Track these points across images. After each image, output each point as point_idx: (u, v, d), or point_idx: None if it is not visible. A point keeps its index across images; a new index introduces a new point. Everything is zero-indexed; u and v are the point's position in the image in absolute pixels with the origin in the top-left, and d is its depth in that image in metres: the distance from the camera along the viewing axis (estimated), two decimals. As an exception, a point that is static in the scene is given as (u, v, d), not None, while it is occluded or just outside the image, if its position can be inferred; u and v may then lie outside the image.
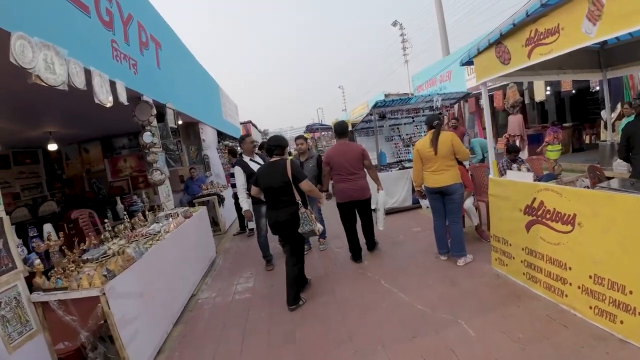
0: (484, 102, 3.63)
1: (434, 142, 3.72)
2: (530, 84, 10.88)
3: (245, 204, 4.30)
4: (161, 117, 5.87)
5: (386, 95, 14.88)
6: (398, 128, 7.46)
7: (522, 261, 3.19)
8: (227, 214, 7.63)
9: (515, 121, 11.25)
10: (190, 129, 8.90)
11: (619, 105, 6.67)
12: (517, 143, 11.16)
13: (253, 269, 4.65)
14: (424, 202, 6.41)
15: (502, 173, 3.86)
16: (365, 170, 4.23)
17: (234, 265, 4.97)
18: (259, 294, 3.83)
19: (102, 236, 3.69)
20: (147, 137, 5.31)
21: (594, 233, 2.48)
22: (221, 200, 6.96)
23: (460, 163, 4.23)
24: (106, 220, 3.86)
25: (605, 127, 7.08)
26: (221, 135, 12.60)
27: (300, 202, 3.29)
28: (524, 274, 3.19)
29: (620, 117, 6.56)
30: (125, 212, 4.35)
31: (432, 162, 3.79)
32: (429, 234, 4.85)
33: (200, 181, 8.21)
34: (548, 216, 2.81)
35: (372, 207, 4.44)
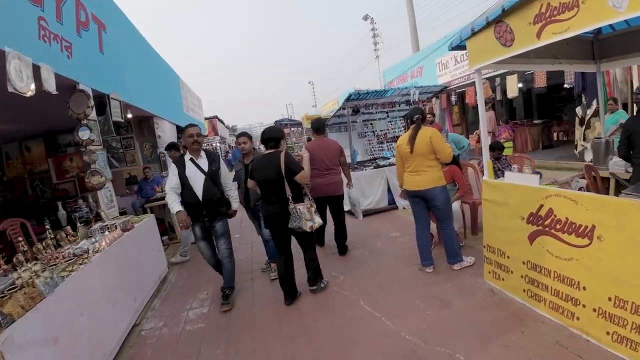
0: (478, 91, 3.18)
1: (411, 138, 3.29)
2: (503, 79, 10.80)
3: (176, 205, 3.32)
4: (102, 109, 5.07)
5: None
6: (372, 123, 6.97)
7: (522, 276, 2.77)
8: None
9: (487, 118, 11.17)
10: (144, 124, 8.00)
11: (594, 102, 6.53)
12: (490, 139, 11.13)
13: (210, 286, 3.99)
14: (402, 202, 5.99)
15: (497, 175, 3.44)
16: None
17: (189, 283, 4.28)
18: (214, 324, 3.18)
19: (15, 259, 2.91)
20: (83, 133, 4.53)
21: (617, 248, 2.07)
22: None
23: (455, 162, 3.80)
24: (20, 239, 3.06)
25: (581, 124, 6.96)
26: (182, 132, 11.70)
27: (291, 197, 3.14)
28: (524, 290, 2.77)
29: (596, 114, 6.41)
30: (48, 228, 3.55)
31: (410, 161, 3.37)
32: (408, 239, 4.41)
33: (155, 182, 7.38)
34: (558, 227, 2.38)
35: (346, 208, 4.50)
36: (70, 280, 2.53)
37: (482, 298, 2.95)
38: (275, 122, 13.51)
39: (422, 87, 5.92)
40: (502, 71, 10.57)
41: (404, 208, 5.92)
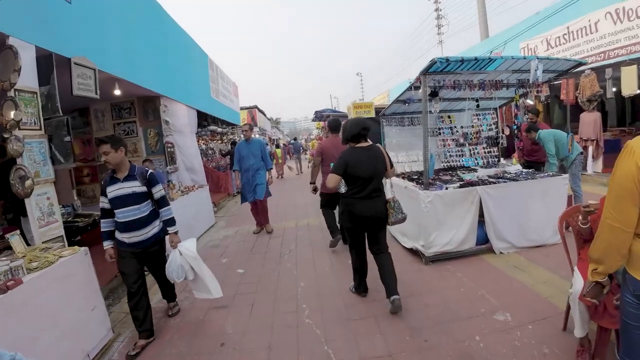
0: None
1: None
2: (616, 71, 8.02)
3: None
4: (46, 77, 3.43)
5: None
6: (449, 117, 4.79)
7: None
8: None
9: (590, 121, 8.44)
10: (148, 106, 6.41)
11: None
12: (591, 150, 8.47)
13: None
14: (500, 245, 3.81)
15: None
16: None
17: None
18: None
19: None
20: (8, 110, 3.00)
21: None
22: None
23: None
24: None
25: None
26: (208, 119, 10.10)
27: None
28: None
29: None
30: None
31: None
32: (535, 334, 2.29)
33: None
34: None
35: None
36: None
37: None
38: (316, 112, 11.46)
39: (547, 59, 3.60)
40: (617, 59, 7.90)
41: (501, 253, 3.73)
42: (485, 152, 4.90)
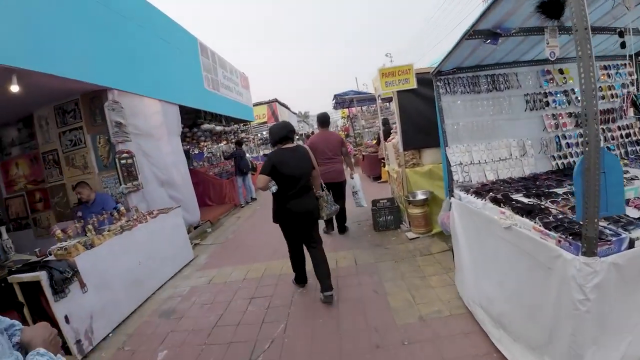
0: None
1: None
2: None
3: None
4: None
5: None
6: (561, 71, 2.55)
7: None
8: (100, 306, 2.93)
9: None
10: (96, 105, 4.67)
11: None
12: None
13: None
14: None
15: None
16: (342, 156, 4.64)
17: None
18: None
19: None
20: None
21: None
22: (62, 282, 2.59)
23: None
24: None
25: None
26: (206, 116, 8.30)
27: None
28: None
29: None
30: None
31: None
32: None
33: (100, 205, 4.03)
34: None
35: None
36: None
37: None
38: (336, 96, 9.23)
39: None
40: None
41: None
42: (623, 136, 2.63)
